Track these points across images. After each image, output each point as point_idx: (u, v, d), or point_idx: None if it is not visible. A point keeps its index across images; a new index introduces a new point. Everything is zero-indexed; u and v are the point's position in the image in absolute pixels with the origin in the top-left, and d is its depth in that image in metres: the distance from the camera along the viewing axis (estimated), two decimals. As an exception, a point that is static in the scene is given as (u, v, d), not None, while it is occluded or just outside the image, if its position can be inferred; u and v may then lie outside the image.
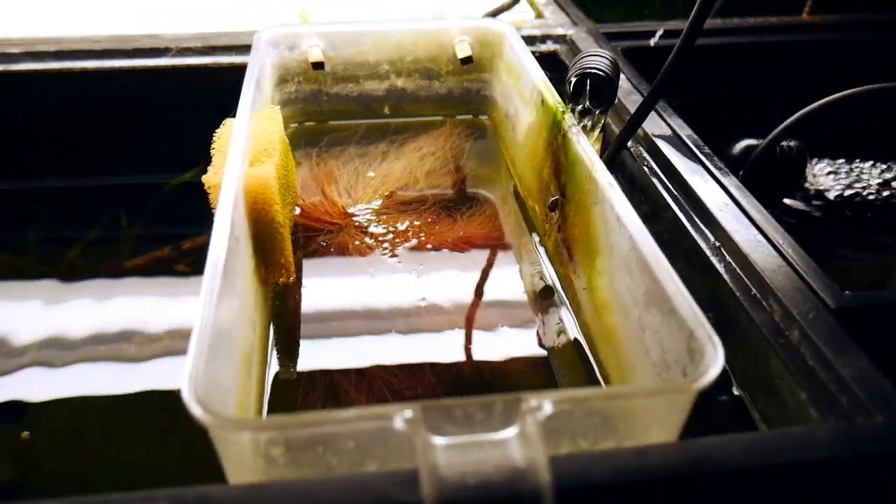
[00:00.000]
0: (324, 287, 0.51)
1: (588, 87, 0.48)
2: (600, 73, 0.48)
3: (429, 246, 0.54)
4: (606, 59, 0.49)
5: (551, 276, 0.51)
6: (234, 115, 0.51)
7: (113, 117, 0.71)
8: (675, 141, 0.53)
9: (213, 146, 0.50)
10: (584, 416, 0.30)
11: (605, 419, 0.30)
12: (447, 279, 0.51)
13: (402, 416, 0.28)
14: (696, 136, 0.53)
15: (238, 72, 0.58)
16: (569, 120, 0.49)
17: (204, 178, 0.47)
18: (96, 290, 0.59)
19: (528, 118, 0.58)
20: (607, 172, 0.43)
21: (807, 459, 0.30)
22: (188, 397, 0.28)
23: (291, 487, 0.28)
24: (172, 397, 0.38)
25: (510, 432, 0.28)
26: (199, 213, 0.55)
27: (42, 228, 0.68)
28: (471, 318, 0.48)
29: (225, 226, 0.39)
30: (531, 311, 0.49)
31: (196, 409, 0.28)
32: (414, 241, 0.54)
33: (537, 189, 0.55)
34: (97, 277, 0.61)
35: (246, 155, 0.46)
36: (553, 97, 0.52)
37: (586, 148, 0.46)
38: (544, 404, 0.28)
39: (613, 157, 0.48)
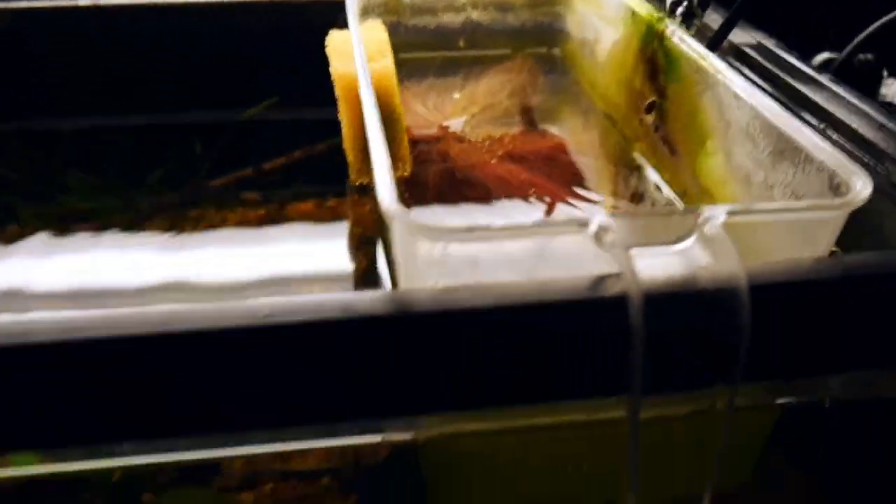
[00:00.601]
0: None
1: (686, -9, 0.51)
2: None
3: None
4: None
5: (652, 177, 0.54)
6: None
7: (188, 54, 0.73)
8: (763, 48, 0.55)
9: (326, 48, 0.52)
10: (749, 230, 0.32)
11: (767, 234, 0.32)
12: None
13: (597, 225, 0.30)
14: (782, 44, 0.56)
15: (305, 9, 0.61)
16: (669, 24, 0.52)
17: (332, 70, 0.49)
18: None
19: (612, 36, 0.61)
20: (717, 58, 0.46)
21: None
22: (388, 203, 0.31)
23: (491, 289, 0.30)
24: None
25: (695, 239, 0.30)
26: (275, 140, 0.58)
27: (122, 161, 0.71)
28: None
29: (374, 110, 0.41)
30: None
31: (396, 211, 0.30)
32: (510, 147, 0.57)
33: (627, 100, 0.57)
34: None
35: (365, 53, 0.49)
36: (645, 8, 0.55)
37: (691, 43, 0.48)
38: (719, 213, 0.31)
39: (717, 44, 0.50)
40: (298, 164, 0.70)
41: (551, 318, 0.30)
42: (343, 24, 0.57)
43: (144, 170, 0.71)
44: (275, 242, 0.67)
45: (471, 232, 0.30)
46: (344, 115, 0.49)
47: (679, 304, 0.29)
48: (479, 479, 0.39)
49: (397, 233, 0.32)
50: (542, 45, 0.72)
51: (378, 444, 0.70)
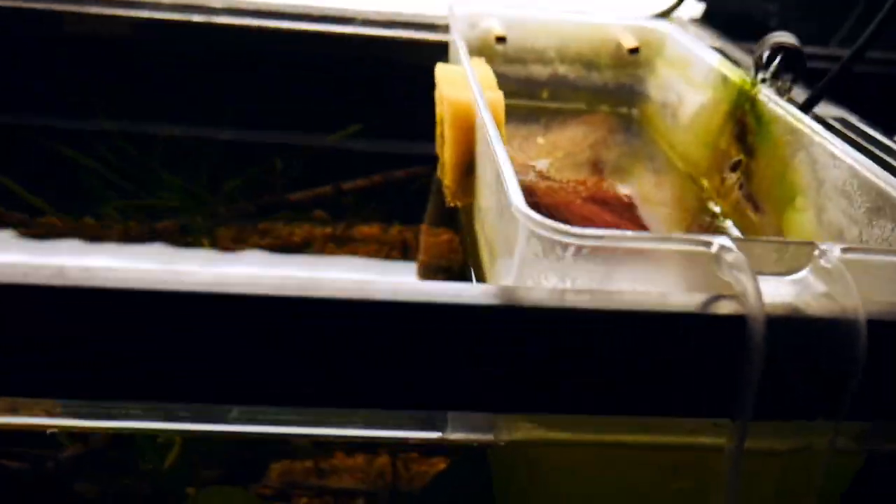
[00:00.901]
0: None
1: (781, 60, 0.54)
2: (792, 46, 0.54)
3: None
4: (793, 37, 0.55)
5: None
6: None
7: (283, 77, 0.77)
8: (846, 122, 0.58)
9: (435, 77, 0.55)
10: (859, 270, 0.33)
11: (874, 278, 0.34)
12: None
13: (719, 245, 0.31)
14: (864, 120, 0.58)
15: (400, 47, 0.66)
16: (762, 88, 0.54)
17: (442, 96, 0.52)
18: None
19: (699, 100, 0.63)
20: (814, 121, 0.48)
21: None
22: (518, 204, 0.33)
23: (611, 295, 0.32)
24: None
25: (810, 270, 0.32)
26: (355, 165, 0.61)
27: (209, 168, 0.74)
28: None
29: (494, 129, 0.43)
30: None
31: (527, 212, 0.32)
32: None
33: (710, 159, 0.60)
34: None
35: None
36: (737, 74, 0.58)
37: (786, 106, 0.51)
38: (835, 248, 0.32)
39: (809, 108, 0.52)
40: (377, 188, 0.73)
41: (668, 329, 0.31)
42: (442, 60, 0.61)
43: (226, 179, 0.74)
44: (330, 266, 0.70)
45: (601, 238, 0.32)
46: (449, 139, 0.51)
47: (797, 329, 0.31)
48: (556, 492, 0.39)
49: (522, 235, 0.34)
50: (621, 105, 0.75)
51: (419, 468, 0.71)
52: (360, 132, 0.77)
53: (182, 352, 0.30)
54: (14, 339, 0.29)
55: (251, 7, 0.74)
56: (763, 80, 0.54)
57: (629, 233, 0.32)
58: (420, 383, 0.32)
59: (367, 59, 0.77)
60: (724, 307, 0.31)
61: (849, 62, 0.51)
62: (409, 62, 0.76)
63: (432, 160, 0.62)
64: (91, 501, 0.56)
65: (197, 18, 0.72)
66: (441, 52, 0.70)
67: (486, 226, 0.46)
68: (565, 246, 0.32)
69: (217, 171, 0.75)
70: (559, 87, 0.75)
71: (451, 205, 0.53)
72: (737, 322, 0.31)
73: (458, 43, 0.59)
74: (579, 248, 0.32)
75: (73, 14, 0.73)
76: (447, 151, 0.53)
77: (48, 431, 0.33)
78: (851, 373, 0.31)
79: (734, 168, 0.56)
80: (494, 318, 0.31)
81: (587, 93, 0.75)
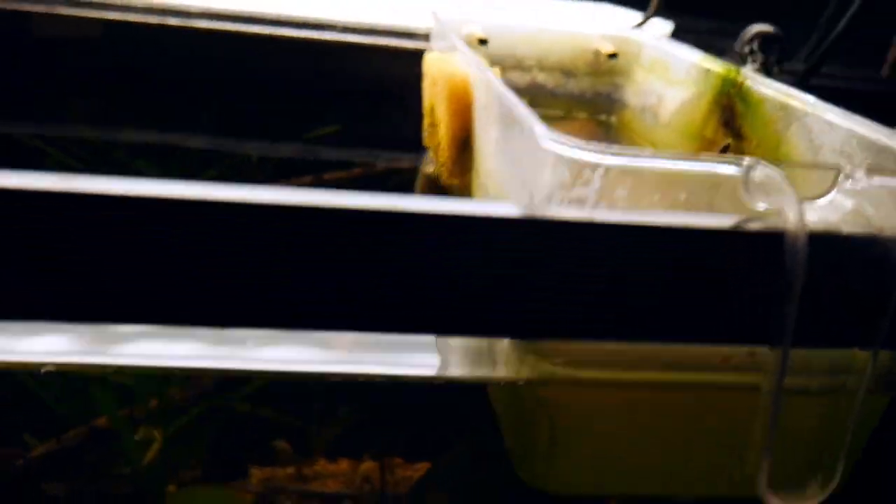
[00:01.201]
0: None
1: (763, 42, 0.55)
2: (771, 31, 0.55)
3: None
4: (771, 25, 0.57)
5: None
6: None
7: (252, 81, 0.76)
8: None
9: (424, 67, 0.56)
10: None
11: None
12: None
13: (754, 164, 0.31)
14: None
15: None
16: (747, 73, 0.55)
17: (435, 77, 0.52)
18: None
19: (680, 96, 0.64)
20: (804, 93, 0.49)
21: None
22: (543, 133, 0.32)
23: (643, 214, 0.31)
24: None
25: (841, 192, 0.32)
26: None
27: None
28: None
29: (503, 86, 0.43)
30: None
31: (555, 138, 0.32)
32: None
33: (696, 150, 0.61)
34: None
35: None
36: (718, 64, 0.59)
37: (774, 85, 0.52)
38: (859, 172, 0.32)
39: (804, 82, 0.54)
40: (358, 179, 0.72)
41: (704, 248, 0.31)
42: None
43: (203, 172, 0.72)
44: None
45: (636, 157, 0.31)
46: (445, 116, 0.51)
47: (836, 248, 0.30)
48: (576, 432, 0.38)
49: (549, 163, 0.33)
50: (599, 113, 0.76)
51: (403, 473, 0.68)
52: (336, 134, 0.77)
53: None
54: None
55: (230, 12, 0.74)
56: (749, 64, 0.56)
57: (659, 152, 0.32)
58: (452, 305, 0.30)
59: (346, 65, 0.77)
60: (761, 225, 0.31)
61: (843, 32, 0.53)
62: (388, 70, 0.77)
63: (413, 155, 0.62)
64: (62, 500, 0.52)
65: (203, 24, 0.71)
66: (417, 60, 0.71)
67: (492, 187, 0.45)
68: (594, 167, 0.32)
69: (197, 164, 0.73)
70: (537, 94, 0.76)
71: (447, 184, 0.53)
72: (776, 240, 0.30)
73: (449, 35, 0.59)
74: (608, 169, 0.32)
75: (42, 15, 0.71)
76: (443, 130, 0.52)
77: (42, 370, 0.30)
78: (890, 294, 0.30)
79: (723, 152, 0.56)
80: (523, 234, 0.30)
81: (565, 100, 0.76)
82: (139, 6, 0.72)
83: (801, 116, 0.48)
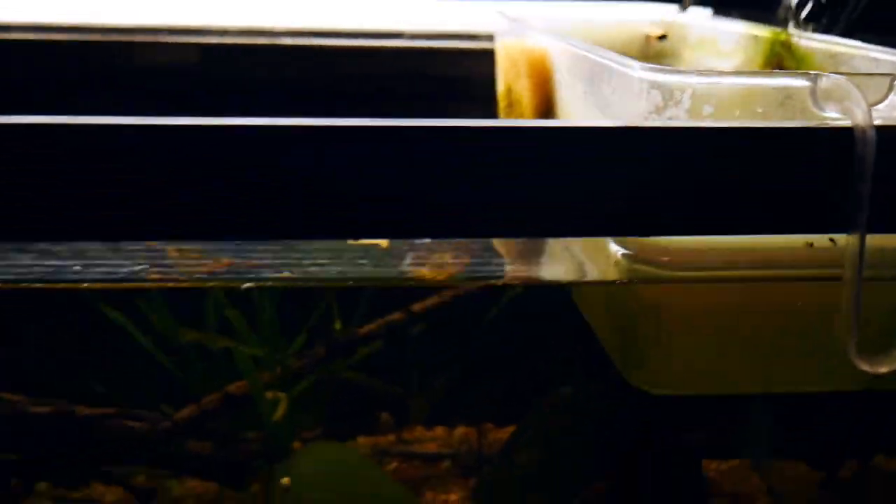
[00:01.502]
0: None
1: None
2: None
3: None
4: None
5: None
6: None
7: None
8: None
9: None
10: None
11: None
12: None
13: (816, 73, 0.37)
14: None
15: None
16: (793, 31, 0.61)
17: (516, 53, 0.58)
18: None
19: (731, 66, 0.70)
20: (849, 40, 0.55)
21: None
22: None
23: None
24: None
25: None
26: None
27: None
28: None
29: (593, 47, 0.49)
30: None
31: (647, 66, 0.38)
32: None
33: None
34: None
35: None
36: (765, 29, 0.65)
37: (820, 37, 0.58)
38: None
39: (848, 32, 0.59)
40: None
41: (787, 143, 0.36)
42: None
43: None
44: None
45: (720, 76, 0.37)
46: (525, 91, 0.57)
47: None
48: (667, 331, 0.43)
49: (641, 92, 0.39)
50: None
51: (495, 436, 0.73)
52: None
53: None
54: None
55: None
56: (795, 24, 0.62)
57: (737, 71, 0.38)
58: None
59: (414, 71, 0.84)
60: (833, 125, 0.36)
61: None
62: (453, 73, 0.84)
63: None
64: (206, 457, 0.59)
65: (212, 40, 0.79)
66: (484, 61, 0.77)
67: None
68: (684, 88, 0.38)
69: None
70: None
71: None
72: (846, 133, 0.35)
73: (524, 22, 0.65)
74: (696, 89, 0.38)
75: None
76: (525, 103, 0.58)
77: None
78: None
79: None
80: (614, 138, 0.35)
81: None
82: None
83: (848, 59, 0.54)
